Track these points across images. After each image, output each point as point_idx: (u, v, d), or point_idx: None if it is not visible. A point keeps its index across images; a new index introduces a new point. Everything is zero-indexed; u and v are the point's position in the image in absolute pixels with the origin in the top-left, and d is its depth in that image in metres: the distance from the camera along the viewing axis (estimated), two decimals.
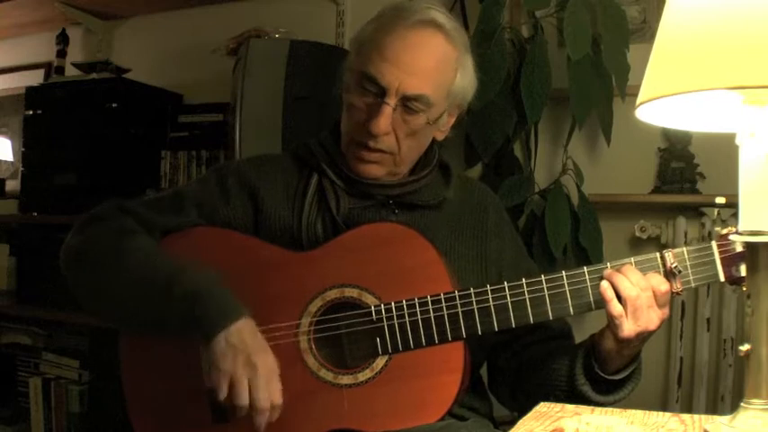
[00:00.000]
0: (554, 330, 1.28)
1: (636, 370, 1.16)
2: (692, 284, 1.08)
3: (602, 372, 1.13)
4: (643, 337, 1.08)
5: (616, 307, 1.06)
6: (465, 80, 1.25)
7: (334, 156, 1.27)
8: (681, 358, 2.05)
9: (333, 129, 1.31)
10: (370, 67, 1.19)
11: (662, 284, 1.06)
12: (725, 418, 0.82)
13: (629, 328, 1.05)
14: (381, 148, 1.21)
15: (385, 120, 1.18)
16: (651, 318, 1.05)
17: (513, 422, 0.89)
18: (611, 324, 1.07)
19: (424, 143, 1.28)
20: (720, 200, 1.36)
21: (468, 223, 1.31)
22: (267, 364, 1.08)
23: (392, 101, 1.18)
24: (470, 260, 1.28)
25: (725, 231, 1.08)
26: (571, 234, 1.99)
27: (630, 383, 1.16)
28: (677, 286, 1.07)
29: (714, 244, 1.07)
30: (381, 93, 1.18)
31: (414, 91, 1.18)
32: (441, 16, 1.21)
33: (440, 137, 1.31)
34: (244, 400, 1.06)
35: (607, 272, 1.08)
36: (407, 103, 1.19)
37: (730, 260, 1.06)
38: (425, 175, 1.29)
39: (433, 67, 1.20)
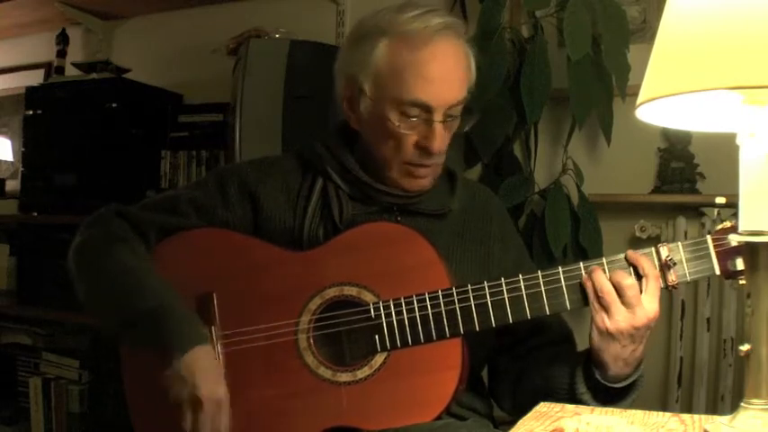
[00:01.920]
0: (555, 334, 1.28)
1: (638, 380, 1.15)
2: (688, 278, 1.09)
3: (603, 379, 1.13)
4: (629, 334, 1.07)
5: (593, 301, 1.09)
6: (473, 68, 1.26)
7: (344, 159, 1.26)
8: (681, 358, 2.05)
9: (340, 131, 1.30)
10: (414, 93, 1.16)
11: (625, 278, 1.07)
12: (725, 418, 0.82)
13: (599, 319, 1.08)
14: (436, 162, 1.23)
15: (441, 139, 1.18)
16: (622, 313, 1.07)
17: (513, 422, 0.89)
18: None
19: None
20: (720, 200, 1.36)
21: (471, 228, 1.31)
22: (213, 398, 1.08)
23: (440, 116, 1.18)
24: (473, 264, 1.27)
25: (720, 226, 1.09)
26: (571, 234, 2.00)
27: (632, 393, 1.15)
28: (672, 279, 1.08)
29: (709, 238, 1.08)
30: (428, 111, 1.17)
31: (457, 98, 1.19)
32: (444, 16, 1.21)
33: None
34: (189, 416, 1.07)
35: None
36: (449, 112, 1.19)
37: (726, 254, 1.07)
38: (425, 191, 1.28)
39: (464, 70, 1.21)
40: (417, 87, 1.16)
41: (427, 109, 1.17)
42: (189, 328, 1.11)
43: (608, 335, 1.08)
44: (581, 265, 1.11)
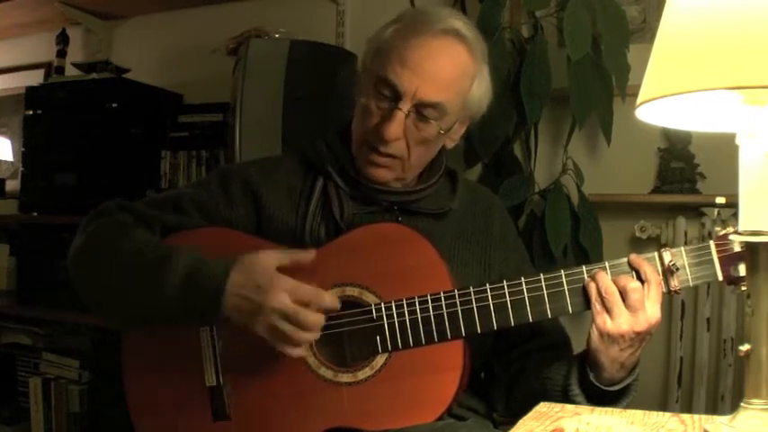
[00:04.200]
0: (552, 339, 1.28)
1: (632, 384, 1.14)
2: (690, 283, 1.09)
3: (598, 381, 1.12)
4: (629, 338, 1.07)
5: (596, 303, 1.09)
6: (481, 90, 1.25)
7: (342, 158, 1.26)
8: (681, 358, 2.05)
9: (342, 130, 1.31)
10: (388, 71, 1.17)
11: (630, 282, 1.07)
12: (725, 418, 0.82)
13: (600, 321, 1.08)
14: (391, 152, 1.21)
15: (397, 125, 1.17)
16: (625, 316, 1.06)
17: (513, 422, 0.89)
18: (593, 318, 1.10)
19: (434, 151, 1.28)
20: (720, 200, 1.37)
21: (472, 230, 1.31)
22: (284, 298, 1.06)
23: (406, 107, 1.17)
24: (474, 267, 1.28)
25: (723, 232, 1.08)
26: (571, 234, 2.00)
27: (626, 398, 1.14)
28: (675, 284, 1.08)
29: (712, 243, 1.07)
30: (396, 98, 1.18)
31: (430, 98, 1.17)
32: (463, 26, 1.21)
33: (449, 145, 1.31)
34: (291, 329, 1.06)
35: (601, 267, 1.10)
36: (422, 110, 1.18)
37: (728, 260, 1.06)
38: (432, 184, 1.29)
39: (452, 77, 1.19)
40: (392, 67, 1.17)
41: (395, 92, 1.17)
42: (220, 263, 1.10)
43: (608, 337, 1.08)
44: (583, 268, 1.11)
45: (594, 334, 1.10)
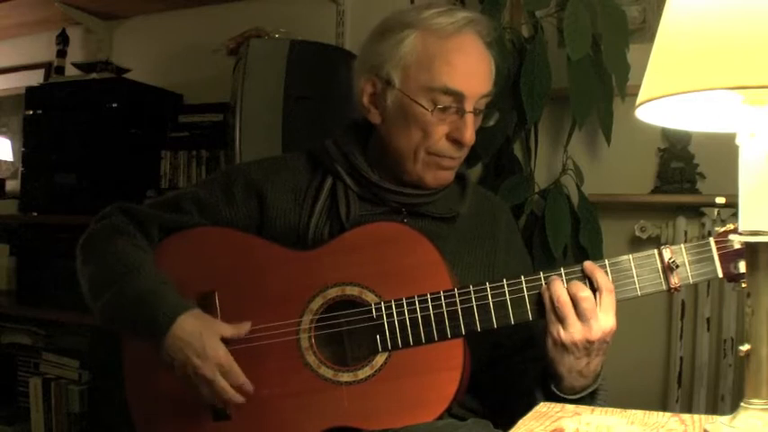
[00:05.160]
0: (542, 351, 1.26)
1: (596, 392, 1.13)
2: (691, 281, 1.08)
3: (559, 390, 1.11)
4: (584, 347, 1.06)
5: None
6: (493, 68, 1.27)
7: (354, 159, 1.26)
8: (681, 358, 2.05)
9: (351, 129, 1.30)
10: (446, 80, 1.17)
11: (581, 290, 1.06)
12: (725, 418, 0.82)
13: (554, 330, 1.07)
14: (464, 155, 1.24)
15: (472, 129, 1.20)
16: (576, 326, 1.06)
17: (512, 422, 0.89)
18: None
19: None
20: (720, 200, 1.36)
21: (478, 236, 1.31)
22: (213, 362, 1.10)
23: (471, 107, 1.19)
24: (477, 271, 1.27)
25: (724, 228, 1.08)
26: (571, 234, 2.00)
27: (589, 404, 1.10)
28: (675, 282, 1.08)
29: (712, 240, 1.07)
30: (460, 102, 1.18)
31: (488, 89, 1.21)
32: (471, 13, 1.23)
33: None
34: (209, 393, 1.11)
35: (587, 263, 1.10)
36: (477, 105, 1.21)
37: (729, 257, 1.06)
38: (443, 189, 1.28)
39: (487, 65, 1.22)
40: (449, 75, 1.17)
41: (459, 97, 1.18)
42: (166, 304, 1.13)
43: (562, 346, 1.07)
44: (541, 274, 1.11)
45: (549, 343, 1.09)
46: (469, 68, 1.19)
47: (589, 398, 1.12)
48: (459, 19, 1.20)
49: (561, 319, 1.07)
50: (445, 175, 1.25)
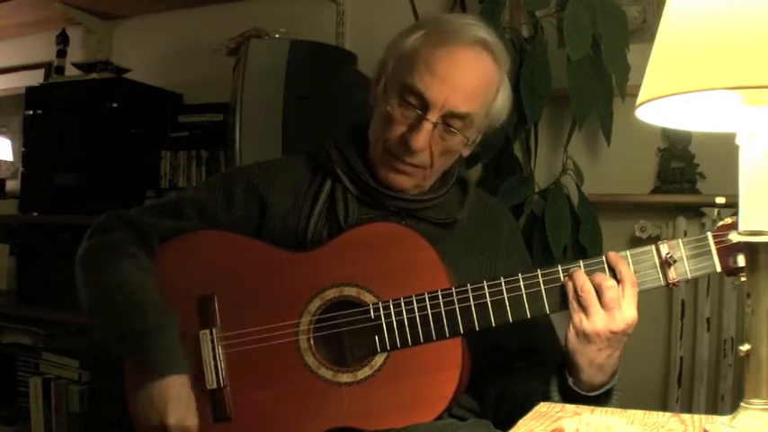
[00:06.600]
0: (545, 357, 1.25)
1: (612, 389, 1.13)
2: (689, 275, 1.08)
3: (577, 386, 1.11)
4: (606, 338, 1.06)
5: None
6: (504, 99, 1.25)
7: (353, 162, 1.26)
8: (681, 358, 2.05)
9: (352, 132, 1.30)
10: (416, 80, 1.16)
11: (605, 280, 1.06)
12: (725, 418, 0.82)
13: (577, 319, 1.07)
14: (415, 162, 1.21)
15: (425, 137, 1.17)
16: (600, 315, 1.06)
17: (512, 422, 0.89)
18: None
19: (453, 159, 1.28)
20: (720, 200, 1.36)
21: (480, 241, 1.31)
22: (180, 427, 1.10)
23: (434, 117, 1.17)
24: (477, 276, 1.26)
25: (721, 223, 1.08)
26: (571, 234, 2.00)
27: (606, 403, 1.12)
28: (673, 276, 1.08)
29: (710, 234, 1.07)
30: (423, 108, 1.17)
31: (459, 109, 1.17)
32: (489, 36, 1.21)
33: (466, 153, 1.30)
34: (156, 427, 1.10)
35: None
36: (449, 121, 1.18)
37: (727, 251, 1.06)
38: (444, 193, 1.28)
39: (481, 88, 1.19)
40: (420, 76, 1.17)
41: (423, 102, 1.17)
42: (169, 356, 1.12)
43: (584, 336, 1.07)
44: (559, 267, 1.11)
45: (571, 333, 1.09)
46: (447, 77, 1.16)
47: (605, 396, 1.12)
48: (470, 34, 1.18)
49: (585, 308, 1.07)
50: (400, 179, 1.23)
